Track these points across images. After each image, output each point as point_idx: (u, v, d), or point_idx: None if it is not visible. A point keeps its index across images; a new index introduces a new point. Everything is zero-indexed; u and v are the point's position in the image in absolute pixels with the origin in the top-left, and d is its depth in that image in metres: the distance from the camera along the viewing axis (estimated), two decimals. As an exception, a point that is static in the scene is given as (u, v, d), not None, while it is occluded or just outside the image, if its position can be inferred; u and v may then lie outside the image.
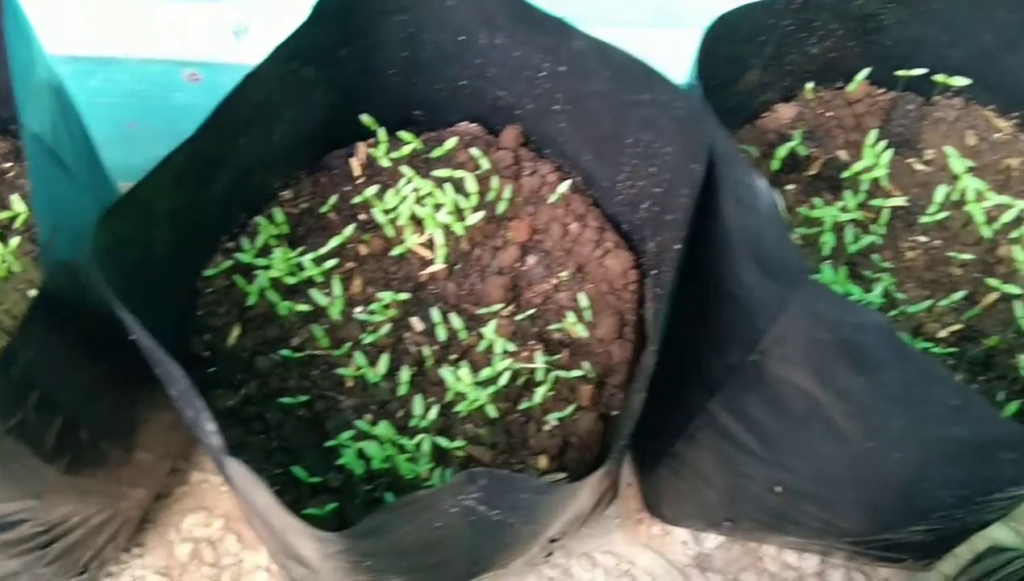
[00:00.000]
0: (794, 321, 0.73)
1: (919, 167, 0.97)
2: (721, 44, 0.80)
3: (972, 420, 0.67)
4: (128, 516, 1.04)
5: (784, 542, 1.11)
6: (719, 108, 0.74)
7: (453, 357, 0.88)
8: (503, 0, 0.83)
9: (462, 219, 0.92)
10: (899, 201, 0.93)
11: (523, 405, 0.86)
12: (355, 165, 0.98)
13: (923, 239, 0.95)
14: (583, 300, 0.91)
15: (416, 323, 0.91)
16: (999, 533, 1.14)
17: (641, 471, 1.14)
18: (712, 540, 1.15)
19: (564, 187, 0.95)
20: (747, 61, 0.92)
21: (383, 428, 0.82)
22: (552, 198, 0.95)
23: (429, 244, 0.95)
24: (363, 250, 0.94)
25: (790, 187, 0.98)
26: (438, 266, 0.93)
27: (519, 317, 0.91)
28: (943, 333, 0.89)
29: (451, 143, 0.95)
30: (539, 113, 0.96)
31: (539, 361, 0.86)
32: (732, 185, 0.74)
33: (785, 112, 1.00)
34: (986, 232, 0.90)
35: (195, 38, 1.13)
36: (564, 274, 0.94)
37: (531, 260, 0.96)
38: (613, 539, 1.14)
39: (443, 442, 0.81)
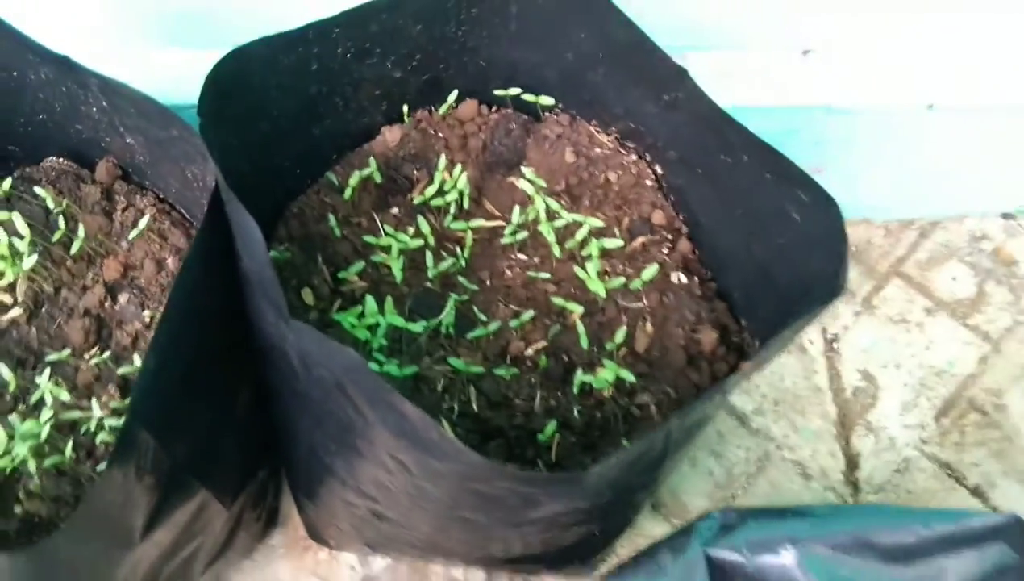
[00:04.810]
0: (299, 362, 0.72)
1: (521, 185, 0.98)
2: (244, 75, 0.78)
3: (453, 454, 0.67)
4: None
5: (446, 560, 1.11)
6: (261, 135, 0.72)
7: (8, 409, 0.84)
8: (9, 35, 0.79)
9: (19, 262, 0.88)
10: (481, 223, 0.93)
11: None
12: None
13: (522, 257, 0.96)
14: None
15: (-10, 373, 0.86)
16: (657, 529, 1.18)
17: (297, 500, 1.12)
18: (380, 562, 1.14)
19: (144, 222, 0.91)
20: (298, 89, 0.89)
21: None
22: (133, 234, 0.91)
23: (11, 288, 0.90)
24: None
25: (395, 211, 0.97)
26: (17, 312, 0.89)
27: (94, 361, 0.87)
28: (529, 351, 0.90)
29: (6, 184, 0.90)
30: (122, 147, 0.92)
31: (96, 410, 0.83)
32: (237, 227, 0.73)
33: (392, 135, 0.99)
34: (557, 251, 0.92)
35: None
36: (158, 311, 0.91)
37: (123, 298, 0.92)
38: (278, 568, 1.12)
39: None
